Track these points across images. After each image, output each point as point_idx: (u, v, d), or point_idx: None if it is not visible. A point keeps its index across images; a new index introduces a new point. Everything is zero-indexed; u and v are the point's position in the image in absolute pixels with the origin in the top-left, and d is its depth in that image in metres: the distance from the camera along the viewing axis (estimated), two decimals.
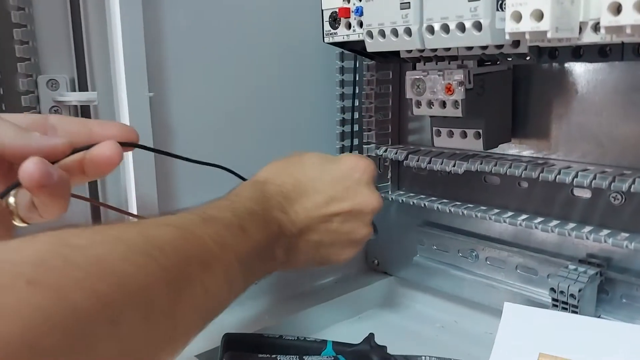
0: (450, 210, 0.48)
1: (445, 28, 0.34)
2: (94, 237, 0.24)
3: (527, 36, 0.31)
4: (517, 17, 0.31)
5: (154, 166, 0.43)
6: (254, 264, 0.34)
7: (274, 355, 0.38)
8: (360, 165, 0.42)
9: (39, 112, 0.40)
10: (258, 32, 0.49)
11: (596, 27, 0.30)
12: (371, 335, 0.43)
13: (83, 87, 0.41)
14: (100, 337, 0.21)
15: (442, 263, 0.52)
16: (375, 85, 0.52)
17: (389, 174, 0.55)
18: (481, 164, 0.44)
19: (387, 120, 0.53)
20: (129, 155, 0.41)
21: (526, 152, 0.46)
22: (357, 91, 0.54)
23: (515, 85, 0.45)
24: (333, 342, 0.42)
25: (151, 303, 0.24)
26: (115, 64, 0.40)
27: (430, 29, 0.35)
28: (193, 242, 0.29)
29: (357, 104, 0.54)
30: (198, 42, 0.45)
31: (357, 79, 0.53)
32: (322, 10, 0.43)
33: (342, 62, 0.52)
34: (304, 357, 0.38)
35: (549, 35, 0.30)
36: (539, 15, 0.30)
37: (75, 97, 0.39)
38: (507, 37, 0.31)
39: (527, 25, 0.30)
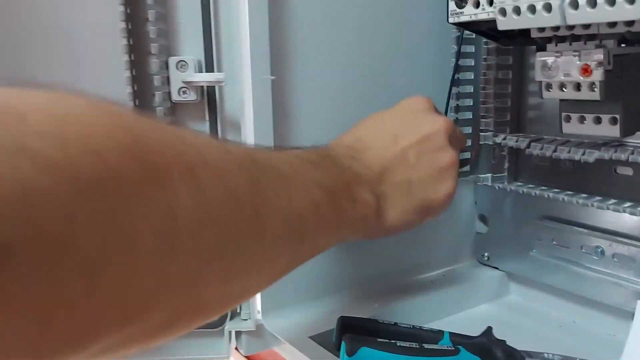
0: (577, 202, 0.45)
1: (592, 2, 0.32)
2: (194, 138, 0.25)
3: None
4: None
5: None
6: (341, 199, 0.34)
7: (392, 341, 0.37)
8: (415, 99, 0.43)
9: (169, 92, 0.42)
10: (374, 19, 0.48)
11: None
12: (489, 329, 0.41)
13: (209, 69, 0.42)
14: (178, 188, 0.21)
15: (562, 259, 0.49)
16: (496, 70, 0.49)
17: (506, 164, 0.52)
18: (615, 152, 0.41)
19: (505, 107, 0.51)
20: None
21: None
22: (473, 77, 0.52)
23: None
24: (450, 332, 0.41)
25: (234, 188, 0.25)
26: (242, 47, 0.41)
27: (574, 4, 0.33)
28: (271, 156, 0.30)
29: (473, 91, 0.52)
30: (318, 29, 0.45)
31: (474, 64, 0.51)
32: None
33: (459, 46, 0.50)
34: (423, 344, 0.37)
35: None
36: None
37: (203, 78, 0.40)
38: None
39: None
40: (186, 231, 0.21)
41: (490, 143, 0.50)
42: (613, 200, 0.44)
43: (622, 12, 0.31)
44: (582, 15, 0.33)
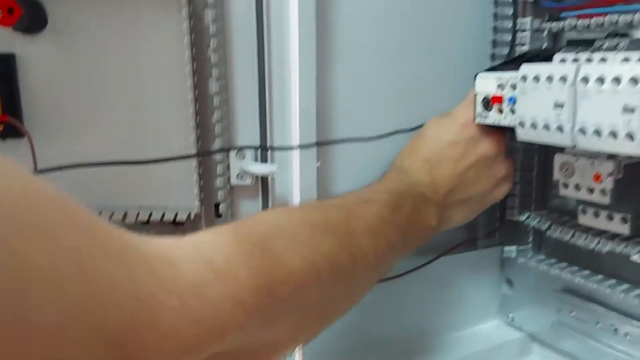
0: (591, 284, 0.49)
1: (598, 133, 0.37)
2: (292, 218, 0.34)
3: None
4: None
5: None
6: (411, 231, 0.43)
7: None
8: (468, 120, 0.47)
9: (229, 177, 0.49)
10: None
11: None
12: None
13: (264, 158, 0.49)
14: (310, 290, 0.31)
15: (579, 331, 0.53)
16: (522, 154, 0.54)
17: (530, 237, 0.56)
18: (626, 247, 0.45)
19: (530, 189, 0.55)
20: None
21: None
22: None
23: None
24: None
25: (338, 267, 0.34)
26: (292, 139, 0.47)
27: (583, 131, 0.38)
28: (359, 220, 0.38)
29: None
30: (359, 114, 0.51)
31: None
32: (476, 94, 0.46)
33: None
34: None
35: None
36: None
37: (259, 169, 0.47)
38: None
39: None
40: (313, 317, 0.33)
41: (515, 219, 0.55)
42: (626, 285, 0.48)
43: (624, 147, 0.35)
44: (589, 142, 0.37)
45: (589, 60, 0.40)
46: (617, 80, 0.35)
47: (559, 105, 0.39)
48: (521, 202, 0.55)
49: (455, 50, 0.54)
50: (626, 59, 0.38)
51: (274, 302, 0.28)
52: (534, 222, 0.53)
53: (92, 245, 0.20)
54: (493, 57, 0.53)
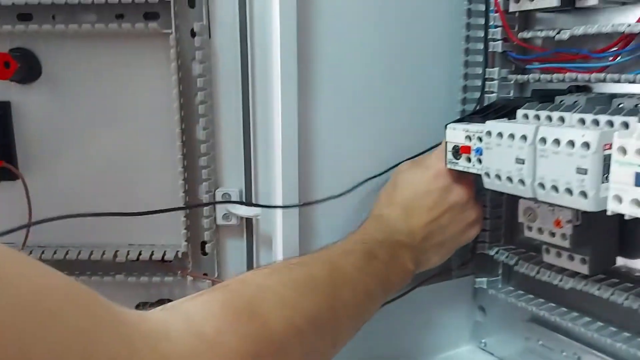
0: (555, 318, 0.52)
1: (555, 189, 0.40)
2: (278, 279, 0.37)
3: (627, 217, 0.36)
4: (618, 199, 0.36)
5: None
6: (390, 278, 0.46)
7: None
8: (441, 171, 0.51)
9: (215, 217, 0.51)
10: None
11: None
12: None
13: (249, 199, 0.51)
14: (293, 348, 0.33)
15: (547, 358, 0.57)
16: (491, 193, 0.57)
17: (500, 270, 0.60)
18: (586, 285, 0.48)
19: (500, 223, 0.59)
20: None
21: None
22: None
23: None
24: None
25: (320, 323, 0.37)
26: (275, 184, 0.49)
27: (542, 186, 0.41)
28: (340, 272, 0.41)
29: None
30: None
31: None
32: (446, 142, 0.49)
33: None
34: None
35: None
36: (637, 203, 0.35)
37: (243, 212, 0.50)
38: (609, 213, 0.37)
39: (627, 209, 0.35)
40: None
41: (486, 253, 0.58)
42: (587, 319, 0.51)
43: (579, 203, 0.39)
44: (548, 196, 0.41)
45: (549, 117, 0.44)
46: (571, 143, 0.38)
47: (520, 161, 0.42)
48: (491, 236, 0.58)
49: (428, 94, 0.57)
50: (582, 120, 0.41)
51: None
52: (502, 257, 0.56)
53: (97, 328, 0.23)
54: (464, 101, 0.56)
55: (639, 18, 0.42)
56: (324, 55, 0.51)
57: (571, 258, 0.49)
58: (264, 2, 0.48)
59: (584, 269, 0.48)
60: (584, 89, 0.50)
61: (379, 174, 0.54)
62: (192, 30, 0.48)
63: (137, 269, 0.52)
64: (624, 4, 0.44)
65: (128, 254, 0.52)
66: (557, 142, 0.39)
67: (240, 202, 0.50)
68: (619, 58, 0.45)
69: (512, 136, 0.42)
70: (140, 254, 0.52)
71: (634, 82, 0.42)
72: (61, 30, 0.47)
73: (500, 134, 0.43)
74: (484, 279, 0.60)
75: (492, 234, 0.59)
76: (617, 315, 0.50)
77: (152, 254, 0.52)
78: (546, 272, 0.52)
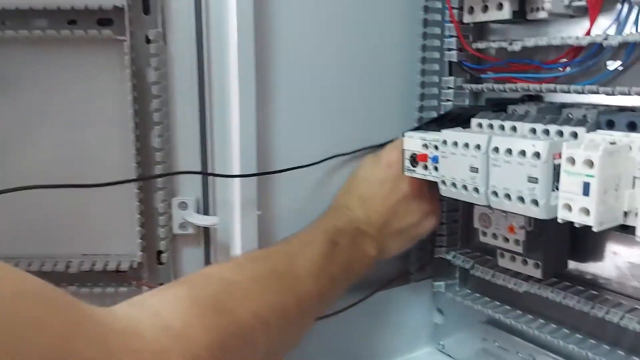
0: (510, 321, 0.53)
1: (508, 197, 0.41)
2: (242, 272, 0.38)
3: (577, 225, 0.37)
4: (568, 208, 0.37)
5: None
6: (352, 264, 0.48)
7: None
8: (393, 160, 0.52)
9: (171, 227, 0.51)
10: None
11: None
12: None
13: (206, 209, 0.51)
14: (260, 339, 0.35)
15: (503, 359, 0.58)
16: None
17: (457, 273, 0.61)
18: (539, 288, 0.50)
19: (456, 227, 0.60)
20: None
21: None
22: None
23: None
24: None
25: (285, 314, 0.38)
26: (234, 193, 0.49)
27: (495, 194, 0.42)
28: (302, 263, 0.42)
29: None
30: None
31: None
32: (404, 150, 0.50)
33: None
34: None
35: (594, 229, 0.36)
36: (586, 211, 0.36)
37: (200, 221, 0.49)
38: (559, 220, 0.38)
39: (576, 217, 0.36)
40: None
41: (443, 257, 0.59)
42: (540, 322, 0.52)
43: (530, 211, 0.40)
44: (501, 204, 0.42)
45: (502, 127, 0.45)
46: (522, 152, 0.39)
47: (474, 170, 0.43)
48: (448, 241, 0.59)
49: (386, 102, 0.58)
50: (533, 130, 0.42)
51: (226, 356, 0.32)
52: (459, 261, 0.57)
53: (75, 332, 0.23)
54: (421, 108, 0.57)
55: (587, 31, 0.43)
56: (281, 62, 0.51)
57: (525, 262, 0.50)
58: (220, 8, 0.48)
59: (537, 273, 0.49)
60: (536, 98, 0.51)
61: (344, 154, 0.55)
62: (146, 37, 0.47)
63: (90, 279, 0.51)
64: (572, 17, 0.46)
65: (81, 264, 0.50)
66: (509, 151, 0.40)
67: (198, 210, 0.50)
68: (568, 69, 0.46)
69: (466, 145, 0.43)
70: (94, 264, 0.50)
71: (582, 92, 0.44)
72: (12, 36, 0.46)
73: (455, 143, 0.44)
74: (442, 283, 0.61)
75: (449, 238, 0.60)
76: (570, 318, 0.51)
77: (106, 264, 0.50)
78: (501, 276, 0.53)
